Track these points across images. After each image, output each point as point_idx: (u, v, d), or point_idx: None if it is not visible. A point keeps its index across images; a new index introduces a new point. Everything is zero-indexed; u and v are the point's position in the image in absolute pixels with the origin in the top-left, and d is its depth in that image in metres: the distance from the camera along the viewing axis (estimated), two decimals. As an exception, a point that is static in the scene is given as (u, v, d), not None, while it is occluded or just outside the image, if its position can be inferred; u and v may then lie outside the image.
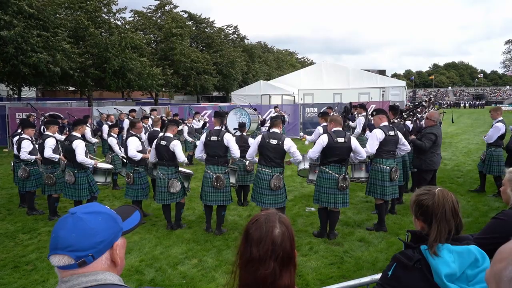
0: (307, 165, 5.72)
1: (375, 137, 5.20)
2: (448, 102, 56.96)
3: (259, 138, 5.09)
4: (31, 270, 4.37)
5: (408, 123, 7.23)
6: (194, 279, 4.07)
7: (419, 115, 8.04)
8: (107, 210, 1.11)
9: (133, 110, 11.66)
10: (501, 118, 6.88)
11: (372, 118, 6.61)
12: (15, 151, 6.60)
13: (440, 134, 5.95)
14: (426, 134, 5.82)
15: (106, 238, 1.05)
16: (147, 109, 14.23)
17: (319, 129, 6.82)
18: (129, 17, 27.22)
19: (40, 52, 15.25)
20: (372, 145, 5.19)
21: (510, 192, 2.18)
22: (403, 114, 7.04)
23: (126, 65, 19.69)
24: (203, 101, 33.67)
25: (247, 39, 38.65)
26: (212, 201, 5.30)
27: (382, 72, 34.73)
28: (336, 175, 4.85)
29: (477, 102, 61.17)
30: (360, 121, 8.50)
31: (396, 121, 6.38)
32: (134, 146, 5.80)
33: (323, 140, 4.83)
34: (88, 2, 19.59)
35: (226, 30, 35.28)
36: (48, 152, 5.97)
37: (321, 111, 11.69)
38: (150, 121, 10.06)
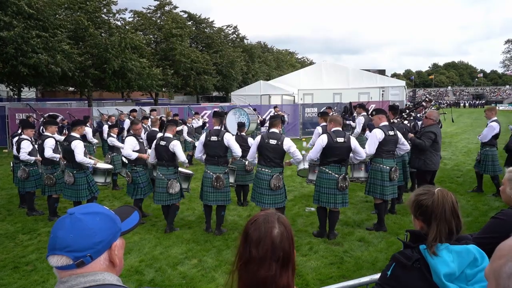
0: (306, 165, 5.71)
1: (375, 137, 5.20)
2: (447, 101, 56.99)
3: (258, 138, 5.09)
4: (31, 270, 4.37)
5: (405, 122, 7.22)
6: (194, 279, 4.07)
7: (418, 115, 8.03)
8: (106, 211, 1.11)
9: (134, 110, 11.65)
10: (495, 118, 6.94)
11: (372, 118, 6.61)
12: (15, 152, 6.60)
13: (440, 134, 5.92)
14: (425, 133, 5.76)
15: (105, 238, 1.05)
16: (147, 109, 14.23)
17: (318, 129, 6.82)
18: (129, 18, 27.22)
19: (41, 53, 15.25)
20: (371, 146, 5.19)
21: (510, 191, 2.18)
22: (403, 114, 7.03)
23: (126, 65, 19.69)
24: (203, 101, 33.68)
25: (247, 39, 38.68)
26: (212, 201, 5.30)
27: (382, 72, 34.74)
28: (336, 175, 4.85)
29: (477, 102, 61.19)
30: (359, 121, 8.50)
31: (395, 121, 6.38)
32: (128, 145, 5.83)
33: (323, 140, 4.83)
34: (88, 3, 19.59)
35: (226, 30, 35.28)
36: (49, 152, 5.97)
37: (321, 111, 11.70)
38: (149, 122, 10.06)
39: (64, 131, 8.92)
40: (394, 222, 5.68)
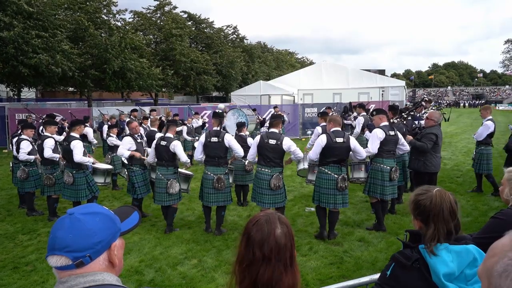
0: (306, 165, 5.71)
1: (376, 136, 5.19)
2: (447, 101, 57.03)
3: (258, 138, 5.08)
4: (31, 271, 4.37)
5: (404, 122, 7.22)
6: (193, 279, 4.07)
7: (418, 114, 8.02)
8: (105, 211, 1.11)
9: (134, 110, 11.61)
10: (490, 117, 7.01)
11: (372, 118, 6.60)
12: (14, 152, 6.60)
13: (441, 135, 5.85)
14: (426, 134, 5.69)
15: (104, 238, 1.05)
16: (147, 109, 14.22)
17: (318, 129, 6.82)
18: (129, 18, 27.22)
19: (41, 53, 15.25)
20: (373, 145, 5.17)
21: (509, 191, 2.18)
22: (403, 114, 7.02)
23: (126, 65, 19.69)
24: (202, 101, 33.68)
25: (247, 39, 38.68)
26: (213, 202, 5.28)
27: (381, 72, 34.74)
28: (335, 176, 4.84)
29: (477, 102, 61.22)
30: (359, 121, 8.49)
31: (395, 121, 6.37)
32: (123, 145, 5.88)
33: (322, 140, 4.83)
34: (88, 3, 19.59)
35: (226, 30, 35.28)
36: (48, 152, 5.96)
37: (321, 111, 11.70)
38: (149, 122, 10.06)
39: (64, 131, 8.93)
40: (394, 222, 5.68)
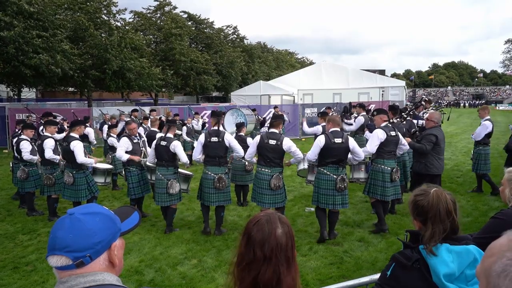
0: (306, 165, 5.71)
1: (376, 137, 5.15)
2: (447, 101, 56.95)
3: (257, 138, 5.07)
4: (31, 271, 4.37)
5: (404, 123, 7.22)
6: (193, 279, 4.07)
7: (419, 114, 8.01)
8: (105, 211, 1.11)
9: (135, 110, 11.59)
10: (488, 117, 7.04)
11: (373, 118, 6.59)
12: (15, 152, 6.61)
13: (442, 137, 5.69)
14: (425, 136, 5.59)
15: (104, 238, 1.05)
16: (147, 109, 14.23)
17: (319, 128, 6.82)
18: (129, 18, 27.25)
19: (41, 53, 15.25)
20: (372, 145, 5.14)
21: (509, 192, 2.18)
22: (403, 114, 7.02)
23: (125, 65, 19.69)
24: (202, 101, 33.67)
25: (247, 39, 38.69)
26: (214, 202, 5.25)
27: (381, 72, 34.75)
28: (334, 176, 4.81)
29: (477, 102, 61.21)
30: (359, 121, 8.49)
31: (395, 121, 6.36)
32: (121, 146, 5.87)
33: (320, 141, 4.80)
34: (88, 3, 19.60)
35: (226, 31, 35.28)
36: (49, 153, 5.96)
37: (321, 111, 11.70)
38: (149, 122, 10.06)
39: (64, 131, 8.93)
40: (394, 222, 5.68)
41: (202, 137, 5.35)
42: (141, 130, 8.64)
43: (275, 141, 4.89)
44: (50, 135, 6.19)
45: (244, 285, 1.25)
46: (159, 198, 5.43)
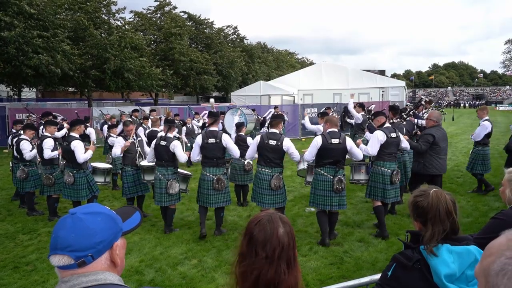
0: (306, 165, 5.70)
1: (376, 139, 5.06)
2: (447, 102, 57.04)
3: (258, 138, 5.06)
4: (31, 270, 4.37)
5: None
6: (194, 279, 4.07)
7: (420, 114, 8.01)
8: (107, 211, 1.11)
9: (135, 110, 11.59)
10: (487, 117, 7.06)
11: (371, 118, 6.59)
12: (15, 152, 6.61)
13: (442, 136, 5.62)
14: (423, 135, 5.58)
15: (106, 238, 1.05)
16: (147, 109, 14.23)
17: (319, 127, 6.83)
18: (129, 18, 27.26)
19: (41, 53, 15.26)
20: (373, 147, 5.05)
21: (510, 192, 2.18)
22: (403, 114, 7.02)
23: (125, 65, 19.69)
24: (202, 101, 33.68)
25: (247, 40, 38.71)
26: (213, 203, 5.19)
27: (381, 72, 34.75)
28: (331, 177, 4.75)
29: (477, 102, 61.19)
30: (358, 118, 8.52)
31: (395, 121, 6.36)
32: (117, 145, 5.96)
33: (317, 141, 4.75)
34: (88, 3, 19.61)
35: (226, 31, 35.30)
36: (48, 153, 5.95)
37: (321, 111, 11.70)
38: (149, 122, 10.06)
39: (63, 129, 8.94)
40: (394, 222, 5.68)
41: (199, 139, 5.28)
42: (141, 130, 8.65)
43: (275, 142, 4.88)
44: (49, 135, 6.18)
45: (246, 285, 1.26)
46: (159, 198, 5.42)
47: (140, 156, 6.15)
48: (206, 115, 15.43)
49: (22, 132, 6.73)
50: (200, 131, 11.39)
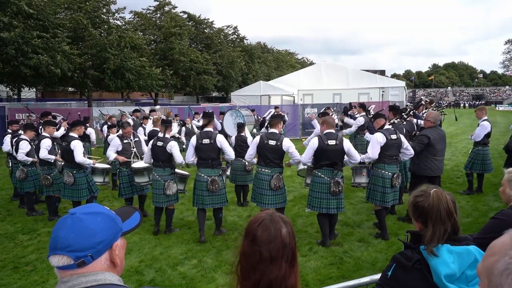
0: (306, 166, 5.67)
1: (376, 141, 4.95)
2: (447, 102, 57.00)
3: (257, 138, 5.04)
4: (31, 271, 4.37)
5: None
6: (193, 279, 4.07)
7: (420, 114, 8.01)
8: (107, 211, 1.11)
9: (136, 111, 11.57)
10: (486, 117, 7.07)
11: (371, 118, 6.58)
12: (14, 152, 6.61)
13: (439, 138, 5.47)
14: (418, 136, 5.50)
15: (105, 238, 1.05)
16: (146, 109, 14.22)
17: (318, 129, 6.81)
18: (129, 18, 27.27)
19: (41, 53, 15.24)
20: (374, 150, 4.91)
21: (509, 192, 2.18)
22: (403, 114, 7.01)
23: (125, 64, 19.68)
24: (202, 101, 33.67)
25: (247, 40, 38.71)
26: (208, 204, 5.11)
27: (381, 73, 34.73)
28: (328, 179, 4.68)
29: (477, 102, 61.21)
30: (358, 121, 8.49)
31: (396, 121, 6.34)
32: (111, 146, 6.07)
33: (314, 143, 4.69)
34: (87, 3, 19.60)
35: (226, 31, 35.30)
36: (44, 153, 5.92)
37: (321, 111, 11.70)
38: (149, 122, 10.06)
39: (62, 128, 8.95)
40: (394, 222, 5.68)
41: (193, 139, 5.21)
42: (140, 131, 8.65)
43: (274, 142, 4.86)
44: (48, 135, 6.16)
45: (248, 285, 1.26)
46: (157, 199, 5.37)
47: (135, 156, 6.14)
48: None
49: (22, 132, 6.71)
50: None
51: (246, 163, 6.46)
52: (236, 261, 1.30)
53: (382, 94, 20.68)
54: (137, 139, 6.43)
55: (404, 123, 6.80)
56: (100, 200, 7.38)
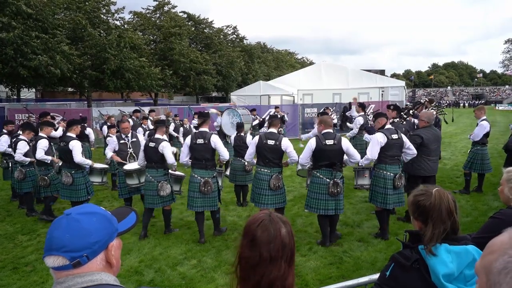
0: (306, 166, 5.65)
1: (376, 141, 4.84)
2: (447, 101, 57.01)
3: (256, 138, 5.01)
4: (30, 271, 4.37)
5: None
6: (193, 279, 4.07)
7: (419, 113, 8.00)
8: (102, 211, 1.11)
9: (137, 111, 11.55)
10: (485, 117, 7.08)
11: (370, 118, 6.57)
12: (13, 153, 6.61)
13: (433, 138, 5.41)
14: (411, 136, 5.43)
15: (101, 238, 1.05)
16: (146, 110, 14.21)
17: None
18: (128, 18, 27.26)
19: (40, 54, 15.23)
20: (373, 150, 4.81)
21: (508, 191, 2.18)
22: (402, 113, 7.01)
23: (125, 64, 19.67)
24: (202, 101, 33.66)
25: (246, 40, 38.69)
26: (199, 206, 5.03)
27: (381, 72, 34.72)
28: (327, 180, 4.62)
29: (477, 102, 61.24)
30: (358, 121, 8.49)
31: (396, 120, 6.34)
32: (109, 145, 6.17)
33: (311, 144, 4.63)
34: (86, 3, 19.59)
35: (225, 31, 35.29)
36: (40, 154, 5.87)
37: (320, 111, 11.70)
38: (148, 122, 10.06)
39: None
40: (393, 222, 5.67)
41: (188, 139, 5.12)
42: (140, 131, 8.64)
43: (273, 141, 4.82)
44: (45, 135, 6.10)
45: (248, 285, 1.26)
46: (150, 200, 5.25)
47: (131, 157, 6.12)
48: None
49: (20, 132, 6.70)
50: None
51: (245, 163, 6.45)
52: (235, 261, 1.30)
53: (382, 94, 20.68)
54: (135, 139, 6.39)
55: (404, 122, 6.80)
56: (99, 200, 7.38)
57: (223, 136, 9.53)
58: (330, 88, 20.85)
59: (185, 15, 30.77)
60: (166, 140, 5.45)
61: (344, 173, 4.91)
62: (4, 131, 7.41)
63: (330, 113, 9.13)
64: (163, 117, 12.01)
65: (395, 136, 4.92)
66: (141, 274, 4.24)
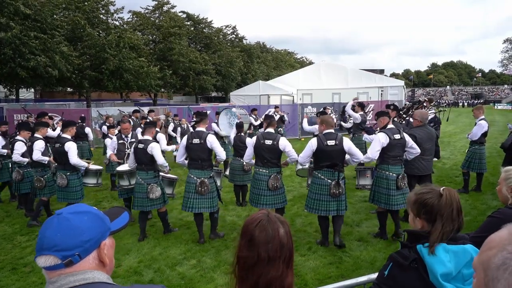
0: (306, 165, 5.63)
1: (378, 141, 4.77)
2: (446, 101, 57.03)
3: (254, 139, 4.98)
4: (29, 272, 4.36)
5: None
6: (192, 279, 4.06)
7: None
8: (94, 210, 1.10)
9: (136, 111, 11.53)
10: (483, 116, 7.09)
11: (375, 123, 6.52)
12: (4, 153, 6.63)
13: (426, 137, 5.36)
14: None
15: (93, 237, 1.04)
16: (145, 110, 14.19)
17: (317, 128, 6.80)
18: (128, 18, 27.25)
19: (39, 54, 15.20)
20: (374, 150, 4.74)
21: (506, 191, 2.18)
22: (400, 112, 7.01)
23: (124, 65, 19.65)
24: (202, 101, 33.66)
25: (246, 39, 38.68)
26: (196, 208, 4.94)
27: (380, 72, 34.74)
28: (329, 181, 4.55)
29: (476, 101, 61.28)
30: (355, 118, 8.50)
31: (395, 119, 6.33)
32: (110, 145, 6.30)
33: (312, 144, 4.57)
34: (85, 3, 19.57)
35: (225, 30, 35.29)
36: (37, 155, 5.79)
37: (320, 111, 11.69)
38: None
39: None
40: (392, 221, 5.66)
41: (184, 139, 5.06)
42: (139, 131, 8.63)
43: (271, 141, 4.78)
44: (41, 136, 6.04)
45: (247, 286, 1.25)
46: (140, 203, 5.13)
47: (128, 157, 6.10)
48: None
49: (18, 132, 6.68)
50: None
51: (244, 163, 6.45)
52: (234, 261, 1.30)
53: (381, 94, 20.69)
54: (133, 140, 6.37)
55: (403, 122, 6.80)
56: (99, 200, 7.38)
57: (219, 136, 9.52)
58: (330, 88, 20.86)
59: (184, 15, 30.77)
60: (156, 141, 5.37)
61: (344, 173, 4.88)
62: None
63: (329, 113, 9.11)
64: (162, 117, 12.01)
65: (397, 136, 4.83)
66: (140, 274, 4.23)
